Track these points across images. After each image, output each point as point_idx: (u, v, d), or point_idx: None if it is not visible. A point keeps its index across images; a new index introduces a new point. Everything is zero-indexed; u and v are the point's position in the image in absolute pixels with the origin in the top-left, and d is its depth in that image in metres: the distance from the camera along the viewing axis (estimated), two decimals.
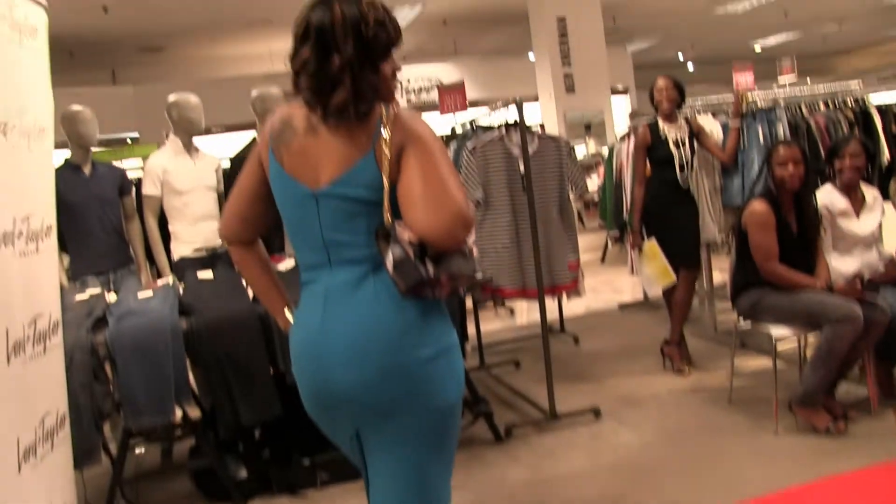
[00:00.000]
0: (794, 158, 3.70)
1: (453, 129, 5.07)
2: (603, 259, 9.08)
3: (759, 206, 3.73)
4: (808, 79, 7.20)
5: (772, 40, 15.95)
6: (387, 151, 1.69)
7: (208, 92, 11.21)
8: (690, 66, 18.86)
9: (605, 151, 11.37)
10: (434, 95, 11.81)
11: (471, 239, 1.75)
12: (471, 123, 4.74)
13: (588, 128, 10.73)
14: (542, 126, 5.48)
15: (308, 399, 1.83)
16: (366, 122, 1.73)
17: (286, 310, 1.96)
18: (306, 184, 1.76)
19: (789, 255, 3.70)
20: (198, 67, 13.12)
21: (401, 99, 11.71)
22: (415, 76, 12.11)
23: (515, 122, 4.05)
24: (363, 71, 1.68)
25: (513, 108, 3.88)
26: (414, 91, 11.96)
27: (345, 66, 1.66)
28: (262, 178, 1.86)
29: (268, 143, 1.83)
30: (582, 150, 11.59)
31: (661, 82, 4.74)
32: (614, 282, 7.89)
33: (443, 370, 1.73)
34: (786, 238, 3.71)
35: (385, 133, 1.70)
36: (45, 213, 2.74)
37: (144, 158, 7.16)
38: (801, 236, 3.79)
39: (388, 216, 1.69)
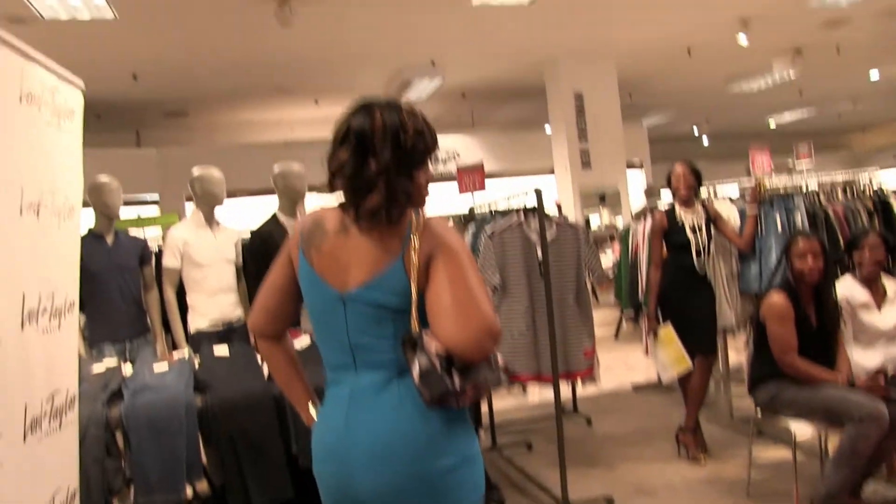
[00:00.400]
0: (813, 251, 3.70)
1: (471, 210, 5.10)
2: (616, 335, 9.04)
3: (777, 299, 3.71)
4: (814, 158, 7.28)
5: (787, 116, 16.10)
6: (415, 259, 1.71)
7: (230, 156, 11.47)
8: (705, 141, 19.01)
9: (619, 222, 11.45)
10: (452, 167, 11.95)
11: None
12: (489, 208, 4.78)
13: (602, 198, 10.79)
14: (559, 206, 5.50)
15: (328, 500, 1.83)
16: (396, 228, 1.76)
17: (310, 405, 1.97)
18: (335, 286, 1.79)
19: (808, 348, 3.66)
20: (220, 132, 13.34)
21: None
22: None
23: (534, 207, 4.08)
24: (398, 177, 1.72)
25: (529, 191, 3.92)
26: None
27: (381, 171, 1.71)
28: (291, 276, 1.90)
29: (298, 242, 1.87)
30: (596, 221, 11.65)
31: (678, 169, 4.77)
32: (628, 359, 7.83)
33: (464, 479, 1.72)
34: (805, 330, 3.68)
35: (415, 240, 1.72)
36: (69, 289, 2.77)
37: (165, 228, 7.27)
38: (821, 329, 3.75)
39: (415, 325, 1.70)
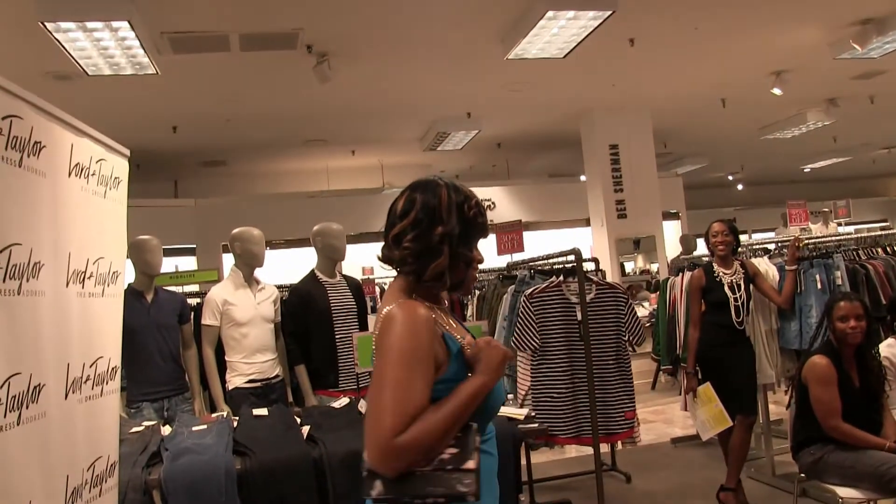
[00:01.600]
0: (856, 313, 3.65)
1: (509, 266, 5.12)
2: (653, 386, 8.91)
3: (819, 361, 3.65)
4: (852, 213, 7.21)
5: (820, 163, 15.97)
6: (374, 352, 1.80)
7: (267, 206, 11.63)
8: (740, 187, 18.88)
9: (653, 268, 11.36)
10: (487, 216, 11.97)
11: (448, 452, 1.66)
12: (529, 269, 4.79)
13: (637, 244, 10.71)
14: (596, 260, 5.49)
15: None
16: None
17: None
18: None
19: (852, 411, 3.59)
20: (257, 182, 13.51)
21: None
22: None
23: (573, 267, 4.07)
24: (460, 246, 1.86)
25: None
26: None
27: (445, 236, 1.83)
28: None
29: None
30: (630, 266, 11.56)
31: (716, 227, 4.76)
32: (665, 412, 7.72)
33: None
34: (848, 393, 3.62)
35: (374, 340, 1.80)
36: (112, 354, 2.82)
37: (202, 285, 7.35)
38: (865, 391, 3.68)
39: None
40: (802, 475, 3.79)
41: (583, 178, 11.70)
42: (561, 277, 4.31)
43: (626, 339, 4.44)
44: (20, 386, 2.02)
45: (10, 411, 1.95)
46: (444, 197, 1.86)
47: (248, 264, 4.49)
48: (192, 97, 8.48)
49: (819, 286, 4.73)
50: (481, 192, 12.42)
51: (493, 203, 12.49)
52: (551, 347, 4.25)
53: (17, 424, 1.98)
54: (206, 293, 4.73)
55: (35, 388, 2.10)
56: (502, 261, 5.63)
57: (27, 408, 2.05)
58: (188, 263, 11.16)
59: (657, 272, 10.81)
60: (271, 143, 11.12)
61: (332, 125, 10.29)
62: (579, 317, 4.10)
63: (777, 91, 9.04)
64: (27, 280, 2.09)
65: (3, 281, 1.96)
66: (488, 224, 1.96)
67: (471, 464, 1.64)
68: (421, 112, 9.92)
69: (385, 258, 1.93)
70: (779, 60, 8.61)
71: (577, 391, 4.24)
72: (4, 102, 1.99)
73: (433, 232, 1.83)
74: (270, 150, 11.66)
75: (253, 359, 4.38)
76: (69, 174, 2.44)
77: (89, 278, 2.59)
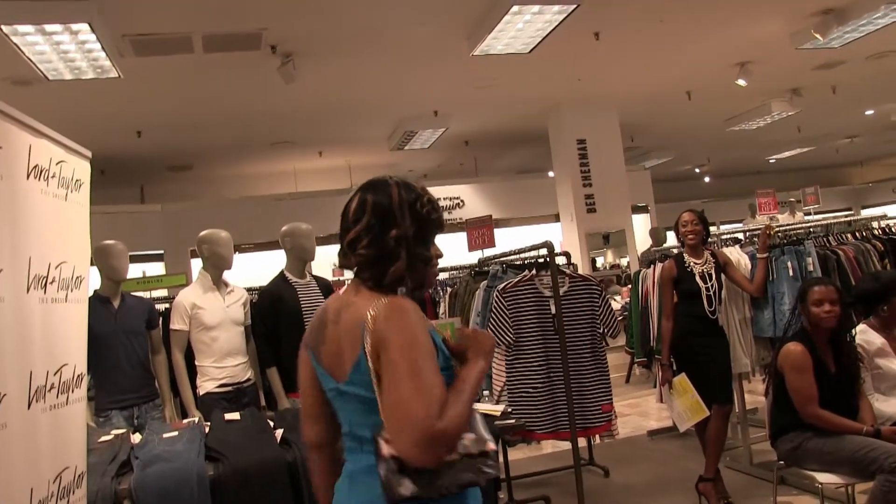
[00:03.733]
0: (830, 298, 3.66)
1: (481, 262, 5.09)
2: (627, 380, 8.94)
3: (794, 348, 3.65)
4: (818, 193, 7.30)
5: (786, 153, 16.17)
6: (370, 353, 1.67)
7: (234, 210, 11.52)
8: (707, 179, 19.05)
9: (623, 262, 11.40)
10: (455, 214, 11.93)
11: (468, 438, 1.66)
12: (501, 264, 4.76)
13: (606, 238, 10.76)
14: (567, 254, 5.48)
15: None
16: (360, 319, 1.72)
17: None
18: (335, 377, 1.80)
19: (829, 397, 3.59)
20: (224, 185, 13.39)
21: None
22: (436, 195, 12.23)
23: (546, 261, 4.05)
24: (417, 246, 1.82)
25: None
26: None
27: (400, 239, 1.79)
28: (311, 370, 1.90)
29: (306, 339, 1.91)
30: (601, 261, 11.60)
31: (685, 216, 4.76)
32: (640, 405, 7.74)
33: None
34: (824, 379, 3.62)
35: (368, 337, 1.68)
36: (77, 361, 2.74)
37: (170, 289, 7.23)
38: (840, 376, 3.69)
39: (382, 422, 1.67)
40: (781, 462, 3.80)
41: (551, 173, 11.73)
42: (534, 271, 4.28)
43: (601, 331, 4.43)
44: None
45: None
46: (395, 197, 1.81)
47: (217, 267, 4.41)
48: (156, 101, 8.36)
49: (791, 273, 4.75)
50: (449, 191, 12.50)
51: (461, 201, 12.48)
52: (526, 342, 4.22)
53: None
54: (174, 298, 4.64)
55: None
56: (474, 257, 5.58)
57: None
58: (156, 269, 11.00)
59: (627, 266, 10.87)
60: (237, 145, 11.02)
61: (298, 126, 10.22)
62: (553, 310, 4.08)
63: (741, 82, 9.13)
64: None
65: None
66: (443, 218, 1.92)
67: (490, 444, 1.69)
68: (387, 111, 9.88)
69: (342, 265, 1.89)
70: (743, 52, 8.69)
71: (554, 385, 4.22)
72: None
73: (388, 235, 1.79)
74: (237, 153, 11.55)
75: (224, 363, 4.30)
76: (27, 176, 2.36)
77: (51, 283, 2.51)
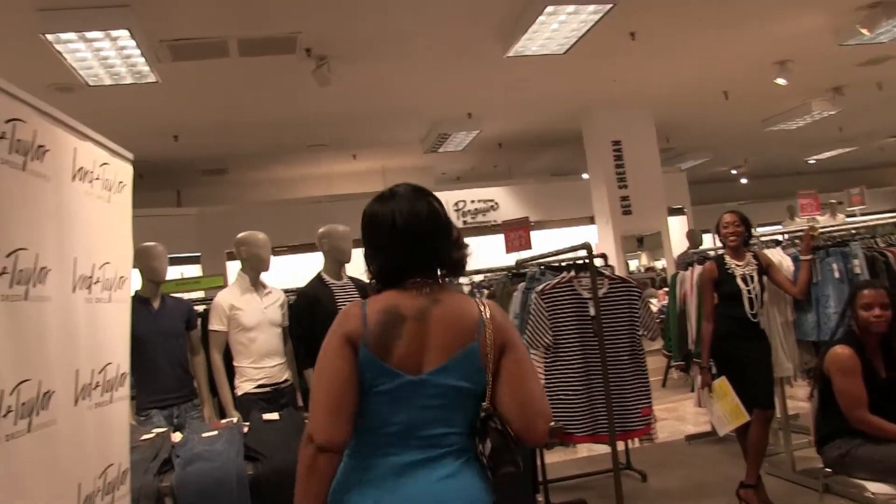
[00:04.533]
0: (880, 302, 3.56)
1: (517, 263, 5.06)
2: (664, 383, 8.85)
3: (842, 351, 3.56)
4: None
5: (826, 153, 15.87)
6: (489, 346, 1.86)
7: (269, 213, 11.59)
8: (744, 181, 18.81)
9: (658, 265, 11.30)
10: (490, 217, 11.90)
11: None
12: (539, 266, 4.73)
13: (640, 241, 10.66)
14: (604, 257, 5.43)
15: None
16: (468, 313, 1.91)
17: None
18: (406, 371, 1.85)
19: (879, 403, 3.48)
20: (259, 189, 13.49)
21: (458, 221, 11.84)
22: (470, 198, 12.28)
23: (585, 263, 4.02)
24: (455, 242, 2.00)
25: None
26: (471, 213, 12.07)
27: (455, 235, 2.00)
28: (354, 367, 1.87)
29: (360, 333, 1.87)
30: (635, 264, 11.50)
31: (726, 218, 4.69)
32: (678, 409, 7.66)
33: None
34: (874, 384, 3.51)
35: (488, 331, 1.87)
36: (121, 360, 2.77)
37: (207, 290, 7.29)
38: (891, 382, 3.56)
39: (489, 405, 1.84)
40: (828, 470, 3.71)
41: (585, 175, 11.66)
42: (572, 273, 4.25)
43: (640, 333, 4.38)
44: (29, 393, 1.97)
45: (21, 419, 1.91)
46: (423, 205, 2.00)
47: (255, 269, 4.44)
48: (192, 105, 8.46)
49: (836, 275, 4.65)
50: (483, 193, 12.49)
51: (496, 203, 12.45)
52: (564, 344, 4.18)
53: (28, 431, 1.94)
54: (211, 299, 4.68)
55: (44, 394, 2.05)
56: (509, 259, 5.56)
57: (37, 415, 2.00)
58: (192, 272, 11.12)
59: (663, 269, 10.77)
60: (272, 149, 11.11)
61: (332, 129, 10.27)
62: (592, 312, 4.04)
63: (781, 81, 8.98)
64: (34, 285, 2.05)
65: (10, 286, 1.92)
66: None
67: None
68: (421, 114, 9.89)
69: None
70: (782, 50, 8.55)
71: (593, 388, 4.17)
72: (7, 106, 1.95)
73: (423, 242, 1.97)
74: (272, 157, 11.65)
75: (261, 363, 4.32)
76: (73, 178, 2.39)
77: (96, 283, 2.54)
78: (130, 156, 2.92)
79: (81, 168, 2.45)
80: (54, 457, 2.10)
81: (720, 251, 4.97)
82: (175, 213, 11.95)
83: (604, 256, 5.41)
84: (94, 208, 2.56)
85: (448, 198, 12.32)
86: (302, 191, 13.30)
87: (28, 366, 1.98)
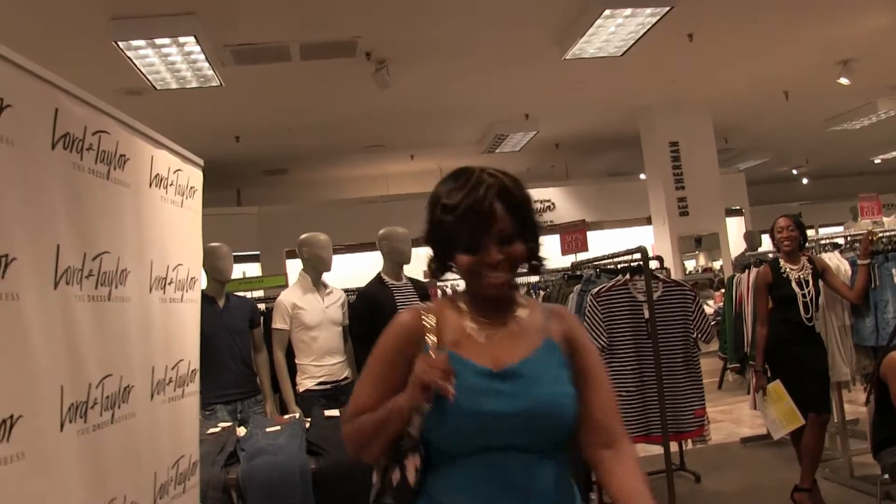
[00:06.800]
0: None
1: (573, 265, 5.12)
2: (720, 385, 8.77)
3: None
4: None
5: (892, 153, 15.46)
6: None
7: (328, 212, 11.80)
8: (805, 181, 18.44)
9: (716, 266, 11.17)
10: (546, 217, 11.92)
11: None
12: (595, 268, 4.78)
13: (699, 241, 10.56)
14: (660, 259, 5.45)
15: None
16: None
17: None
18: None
19: None
20: (318, 189, 13.71)
21: None
22: None
23: (640, 266, 4.07)
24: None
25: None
26: None
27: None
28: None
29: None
30: (692, 264, 11.39)
31: (781, 222, 4.68)
32: (733, 411, 7.61)
33: None
34: None
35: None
36: (192, 357, 2.92)
37: (267, 290, 7.48)
38: None
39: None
40: (885, 476, 3.68)
41: (642, 176, 11.60)
42: (627, 276, 4.29)
43: (693, 336, 4.40)
44: (112, 387, 2.11)
45: (105, 410, 2.05)
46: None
47: (316, 269, 4.59)
48: (253, 107, 8.67)
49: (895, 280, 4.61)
50: (540, 194, 12.52)
51: (552, 204, 12.48)
52: (619, 346, 4.23)
53: (112, 423, 2.08)
54: (272, 298, 4.83)
55: (125, 389, 2.20)
56: (565, 260, 5.61)
57: (119, 407, 2.14)
58: (252, 270, 11.38)
59: (720, 270, 10.66)
60: (331, 150, 11.29)
61: (390, 131, 10.41)
62: (647, 315, 4.08)
63: (844, 81, 8.82)
64: (116, 287, 2.19)
65: (96, 287, 2.06)
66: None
67: (395, 475, 1.69)
68: (478, 115, 9.97)
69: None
70: (845, 49, 8.39)
71: (646, 389, 4.22)
72: (94, 119, 2.09)
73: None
74: (330, 157, 11.83)
75: (322, 361, 4.47)
76: (150, 185, 2.54)
77: (169, 284, 2.69)
78: (201, 162, 3.08)
79: (157, 175, 2.60)
80: (134, 447, 2.25)
81: (776, 254, 4.96)
82: (236, 213, 12.24)
83: (659, 259, 5.43)
84: (168, 213, 2.71)
85: None
86: (359, 191, 13.49)
87: (111, 361, 2.12)
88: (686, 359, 4.38)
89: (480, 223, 1.64)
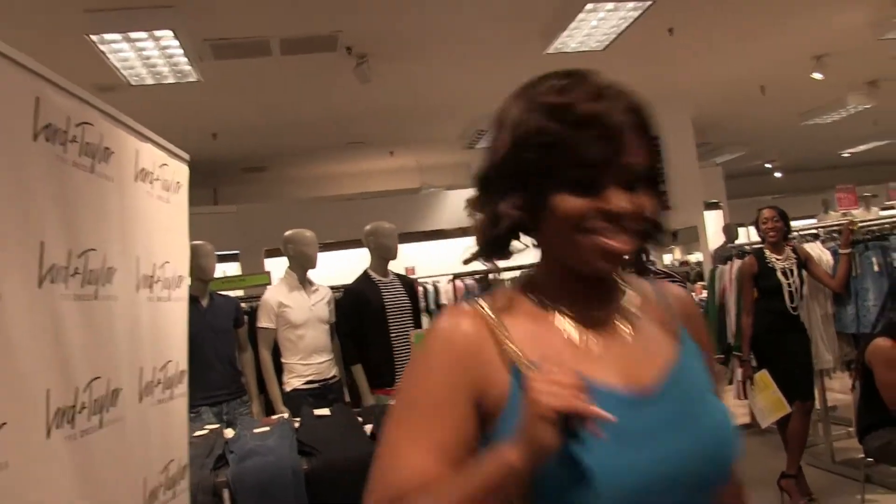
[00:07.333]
0: None
1: None
2: None
3: (884, 343, 3.60)
4: None
5: (861, 147, 15.69)
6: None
7: (306, 210, 11.69)
8: (778, 175, 18.61)
9: (692, 259, 11.20)
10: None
11: None
12: None
13: (675, 235, 10.58)
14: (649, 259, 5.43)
15: None
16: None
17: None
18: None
19: None
20: (296, 186, 13.60)
21: None
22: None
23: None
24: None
25: None
26: None
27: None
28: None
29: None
30: (668, 258, 11.42)
31: (766, 213, 4.74)
32: None
33: None
34: None
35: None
36: (180, 357, 2.85)
37: (248, 289, 7.39)
38: None
39: None
40: (869, 460, 3.73)
41: None
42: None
43: None
44: (100, 390, 2.04)
45: (94, 414, 1.98)
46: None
47: (302, 266, 4.53)
48: (232, 104, 8.56)
49: (876, 269, 4.67)
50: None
51: None
52: None
53: (100, 427, 2.01)
54: (254, 297, 4.77)
55: (113, 392, 2.13)
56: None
57: (107, 411, 2.07)
58: (231, 269, 11.26)
59: (697, 263, 10.71)
60: (311, 147, 11.19)
61: (370, 127, 10.33)
62: None
63: (818, 76, 8.90)
64: (102, 285, 2.12)
65: (82, 286, 1.99)
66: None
67: None
68: (459, 111, 9.91)
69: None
70: (820, 44, 8.47)
71: None
72: (77, 109, 2.01)
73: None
74: (310, 155, 11.73)
75: (310, 360, 4.41)
76: (135, 179, 2.47)
77: (156, 283, 2.62)
78: (186, 156, 3.01)
79: (143, 169, 2.53)
80: (123, 452, 2.18)
81: (759, 246, 5.00)
82: (214, 211, 12.09)
83: (644, 252, 5.41)
84: (154, 208, 2.64)
85: None
86: (339, 188, 13.39)
87: (99, 363, 2.05)
88: None
89: (609, 146, 1.02)
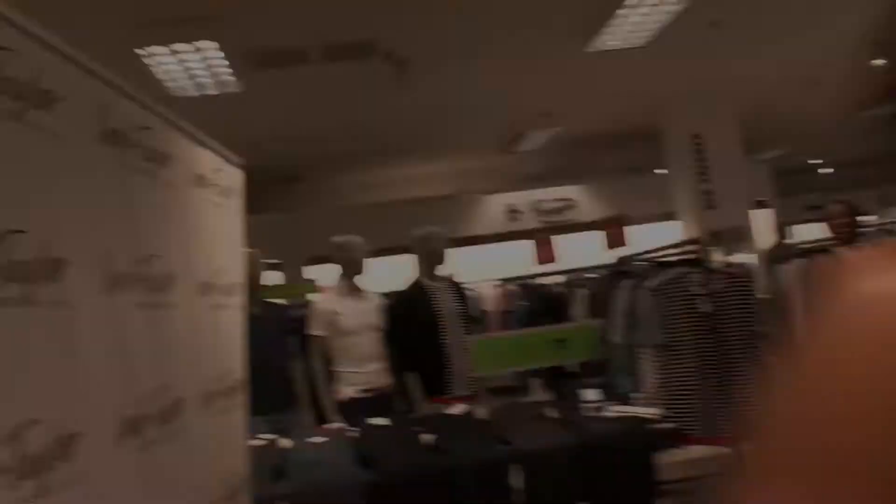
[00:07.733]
0: None
1: (620, 259, 4.97)
2: None
3: None
4: None
5: None
6: None
7: (348, 217, 11.63)
8: (830, 170, 18.19)
9: (739, 259, 10.93)
10: (567, 216, 11.77)
11: None
12: (645, 262, 4.62)
13: (723, 235, 10.35)
14: (719, 259, 5.29)
15: None
16: None
17: None
18: None
19: None
20: (336, 194, 13.57)
21: (537, 221, 11.77)
22: (548, 197, 12.20)
23: (698, 258, 3.91)
24: None
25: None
26: (549, 212, 11.96)
27: None
28: None
29: None
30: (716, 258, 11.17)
31: (835, 209, 4.54)
32: None
33: None
34: None
35: None
36: (238, 367, 2.79)
37: (293, 298, 7.33)
38: None
39: None
40: None
41: (661, 170, 11.43)
42: (684, 269, 4.11)
43: (757, 327, 4.21)
44: (165, 400, 1.98)
45: (159, 425, 1.91)
46: None
47: (352, 272, 4.45)
48: (272, 112, 8.57)
49: None
50: (561, 192, 12.34)
51: (574, 202, 12.31)
52: (678, 342, 4.04)
53: (165, 438, 1.94)
54: (300, 306, 4.70)
55: (177, 401, 2.06)
56: (590, 258, 5.46)
57: (171, 422, 2.01)
58: (274, 279, 11.25)
59: (741, 263, 10.47)
60: (349, 153, 11.16)
61: (409, 133, 10.29)
62: (706, 308, 3.90)
63: (880, 62, 8.63)
64: (165, 292, 2.06)
65: (146, 294, 1.93)
66: None
67: None
68: (498, 114, 9.82)
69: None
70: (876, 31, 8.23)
71: (708, 387, 4.02)
72: (139, 114, 1.96)
73: None
74: (349, 162, 11.72)
75: (363, 368, 4.32)
76: (194, 185, 2.41)
77: (215, 290, 2.55)
78: (241, 161, 2.94)
79: (201, 175, 2.47)
80: (186, 464, 2.11)
81: (823, 243, 4.81)
82: (256, 220, 12.09)
83: (709, 250, 5.24)
84: (211, 214, 2.58)
85: (527, 197, 12.26)
86: (378, 195, 13.34)
87: (163, 372, 1.99)
88: (750, 352, 4.17)
89: None
